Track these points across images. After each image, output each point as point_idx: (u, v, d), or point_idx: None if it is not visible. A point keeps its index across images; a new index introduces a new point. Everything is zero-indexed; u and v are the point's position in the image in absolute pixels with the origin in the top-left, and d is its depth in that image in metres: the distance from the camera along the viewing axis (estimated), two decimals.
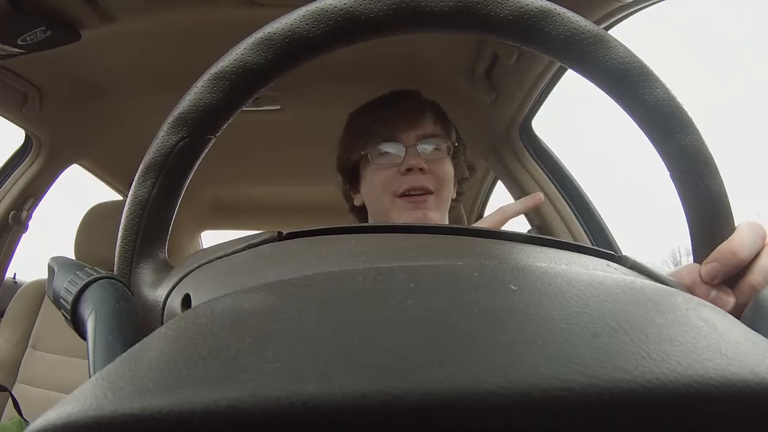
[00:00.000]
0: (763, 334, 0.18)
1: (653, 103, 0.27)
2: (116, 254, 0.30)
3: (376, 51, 1.06)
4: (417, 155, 0.73)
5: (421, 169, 0.73)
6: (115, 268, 0.30)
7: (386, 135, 0.75)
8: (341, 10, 0.26)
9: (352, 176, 0.82)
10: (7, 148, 1.34)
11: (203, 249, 0.31)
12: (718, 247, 0.29)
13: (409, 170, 0.73)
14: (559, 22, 0.27)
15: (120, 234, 0.30)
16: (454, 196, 0.82)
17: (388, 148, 0.75)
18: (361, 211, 0.83)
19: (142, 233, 0.29)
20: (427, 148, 0.75)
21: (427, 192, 0.73)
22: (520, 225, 1.29)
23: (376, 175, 0.76)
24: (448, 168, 0.77)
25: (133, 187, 0.29)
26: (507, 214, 0.66)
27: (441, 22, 0.26)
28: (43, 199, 1.38)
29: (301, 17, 0.26)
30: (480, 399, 0.13)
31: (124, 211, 0.29)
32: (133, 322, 0.25)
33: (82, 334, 0.26)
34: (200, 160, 0.29)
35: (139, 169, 0.29)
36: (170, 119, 0.28)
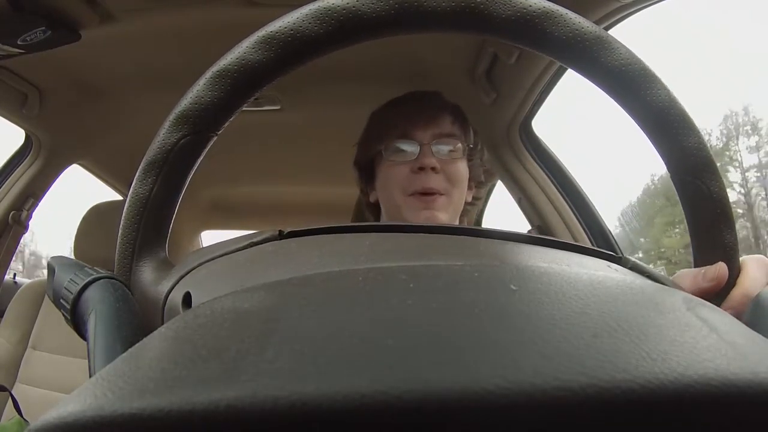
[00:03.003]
0: (763, 334, 0.18)
1: (655, 104, 0.27)
2: (116, 252, 0.30)
3: (376, 51, 1.06)
4: (431, 154, 0.74)
5: (433, 169, 0.73)
6: (115, 267, 0.30)
7: (402, 132, 0.75)
8: (344, 9, 0.26)
9: (368, 172, 0.82)
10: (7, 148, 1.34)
11: (204, 247, 0.31)
12: (732, 294, 0.30)
13: (421, 169, 0.73)
14: (561, 23, 0.27)
15: (120, 232, 0.30)
16: (469, 199, 0.82)
17: (403, 145, 0.75)
18: (376, 208, 0.83)
19: (143, 231, 0.29)
20: (442, 148, 0.75)
21: (437, 193, 0.73)
22: (520, 225, 1.29)
23: (389, 172, 0.76)
24: (462, 169, 0.76)
25: (133, 185, 0.29)
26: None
27: (443, 23, 0.26)
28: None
29: (304, 16, 0.26)
30: (480, 399, 0.13)
31: (125, 210, 0.29)
32: (133, 322, 0.25)
33: (82, 334, 0.26)
34: (201, 158, 0.29)
35: (140, 167, 0.29)
36: (172, 117, 0.28)
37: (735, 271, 0.31)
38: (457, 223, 0.79)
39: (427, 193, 0.73)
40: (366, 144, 0.81)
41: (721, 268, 0.29)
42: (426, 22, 0.26)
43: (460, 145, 0.76)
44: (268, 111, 1.27)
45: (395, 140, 0.75)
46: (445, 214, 0.74)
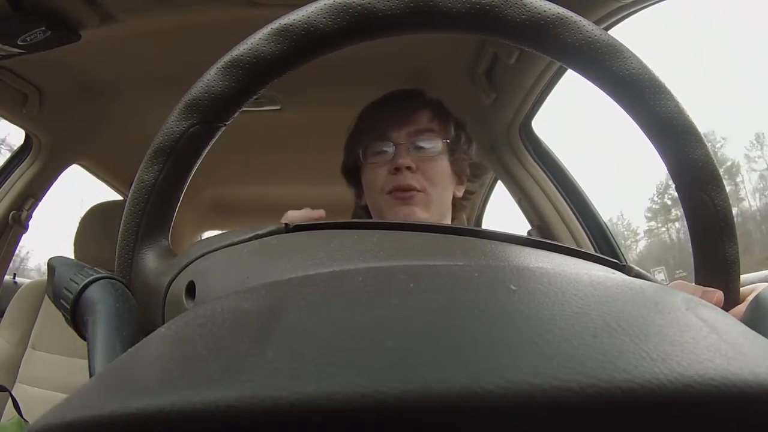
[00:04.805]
0: (763, 334, 0.18)
1: (663, 115, 0.27)
2: (118, 240, 0.30)
3: (377, 51, 1.06)
4: (407, 154, 0.74)
5: (408, 168, 0.73)
6: (117, 254, 0.30)
7: (378, 134, 0.76)
8: (359, 5, 0.26)
9: (355, 177, 0.82)
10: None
11: (208, 237, 0.31)
12: (738, 308, 0.30)
13: (397, 169, 0.73)
14: (575, 29, 0.27)
15: (123, 219, 0.29)
16: (460, 194, 0.81)
17: (380, 147, 0.75)
18: (366, 211, 0.84)
19: (146, 218, 0.29)
20: (418, 146, 0.75)
21: (413, 189, 0.73)
22: (520, 225, 1.29)
23: (370, 175, 0.77)
24: (442, 166, 0.76)
25: (139, 171, 0.29)
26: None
27: (457, 23, 0.27)
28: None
29: (319, 10, 0.26)
30: (479, 399, 0.13)
31: (129, 196, 0.29)
32: (133, 322, 0.25)
33: (82, 334, 0.26)
34: (209, 147, 0.29)
35: (147, 154, 0.29)
36: (181, 105, 0.28)
37: (735, 284, 0.30)
38: (449, 219, 0.79)
39: (404, 189, 0.73)
40: (348, 149, 0.81)
41: (719, 297, 0.29)
42: (440, 22, 0.27)
43: (439, 141, 0.76)
44: (268, 111, 1.27)
45: (372, 142, 0.76)
46: (426, 211, 0.74)
